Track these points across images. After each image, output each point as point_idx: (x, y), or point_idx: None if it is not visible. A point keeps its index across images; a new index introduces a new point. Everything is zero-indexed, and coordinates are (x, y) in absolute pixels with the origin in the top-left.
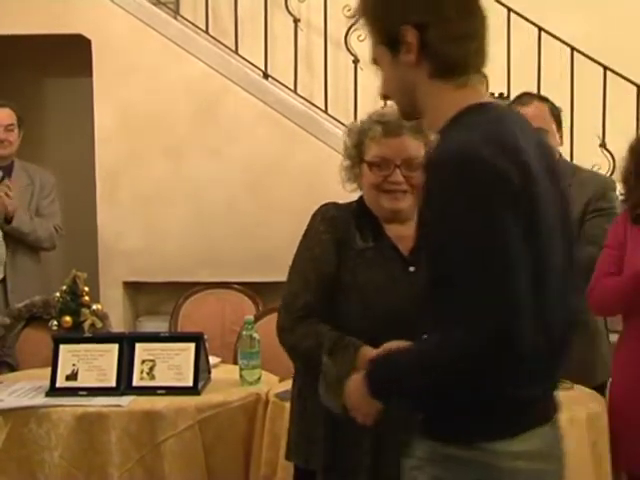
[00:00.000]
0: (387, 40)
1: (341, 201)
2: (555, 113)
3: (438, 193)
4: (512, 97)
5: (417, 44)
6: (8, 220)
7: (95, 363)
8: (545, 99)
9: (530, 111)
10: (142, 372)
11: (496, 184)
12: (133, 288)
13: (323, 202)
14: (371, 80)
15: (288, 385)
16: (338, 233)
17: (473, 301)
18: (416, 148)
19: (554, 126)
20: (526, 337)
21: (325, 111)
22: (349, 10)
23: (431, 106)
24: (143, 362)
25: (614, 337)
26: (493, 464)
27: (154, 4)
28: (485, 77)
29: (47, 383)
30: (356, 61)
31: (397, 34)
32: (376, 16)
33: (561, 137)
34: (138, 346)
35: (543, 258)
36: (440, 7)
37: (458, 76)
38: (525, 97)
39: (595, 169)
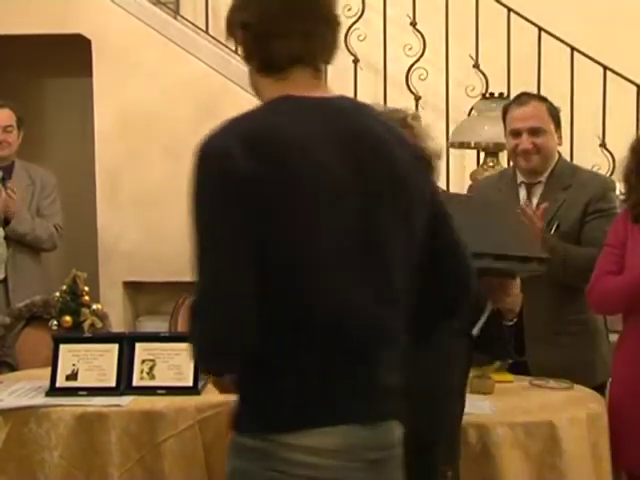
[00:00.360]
0: (235, 41)
1: None
2: (553, 113)
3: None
4: (512, 97)
5: (243, 43)
6: (7, 221)
7: (95, 363)
8: (544, 99)
9: (528, 111)
10: (142, 372)
11: (222, 178)
12: (133, 288)
13: None
14: (371, 80)
15: None
16: None
17: (197, 294)
18: None
19: (552, 126)
20: (237, 334)
21: None
22: (349, 10)
23: (262, 100)
24: (143, 362)
25: (614, 337)
26: (281, 456)
27: (154, 4)
28: (318, 71)
29: (47, 383)
30: (356, 61)
31: (234, 35)
32: (227, 21)
33: (560, 137)
34: (138, 346)
35: (302, 252)
36: (259, 7)
37: (278, 71)
38: (523, 97)
39: (595, 169)
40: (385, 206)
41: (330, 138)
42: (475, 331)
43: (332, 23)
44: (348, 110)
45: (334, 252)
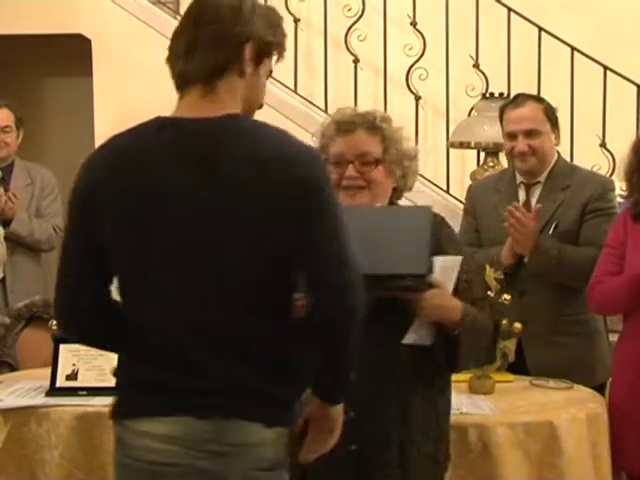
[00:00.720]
0: None
1: None
2: (550, 113)
3: None
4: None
5: None
6: (6, 223)
7: (95, 363)
8: (540, 99)
9: (523, 113)
10: None
11: (74, 192)
12: None
13: None
14: (371, 80)
15: None
16: None
17: None
18: (370, 143)
19: (548, 127)
20: (69, 321)
21: (325, 111)
22: (349, 10)
23: None
24: None
25: (614, 337)
26: (125, 439)
27: (154, 4)
28: (209, 89)
29: (47, 383)
30: (356, 61)
31: None
32: None
33: (557, 137)
34: None
35: (127, 262)
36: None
37: (179, 90)
38: (519, 98)
39: (595, 169)
40: (214, 222)
41: (172, 158)
42: (407, 340)
43: (220, 41)
44: (208, 132)
45: (155, 263)
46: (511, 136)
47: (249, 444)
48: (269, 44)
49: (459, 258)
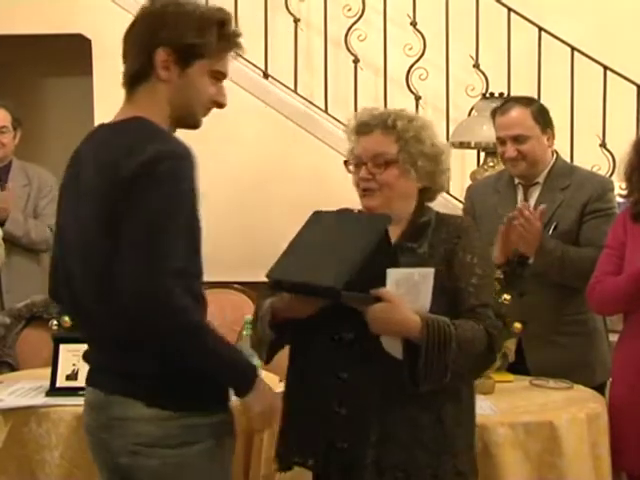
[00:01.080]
0: None
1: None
2: (539, 116)
3: None
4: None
5: None
6: (1, 224)
7: None
8: (529, 103)
9: (510, 119)
10: None
11: None
12: None
13: (323, 202)
14: (371, 80)
15: None
16: None
17: None
18: (385, 144)
19: (538, 130)
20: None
21: (325, 111)
22: (349, 10)
23: None
24: None
25: (614, 337)
26: None
27: None
28: (130, 95)
29: (47, 383)
30: (356, 61)
31: None
32: None
33: (550, 138)
34: None
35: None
36: None
37: None
38: (507, 104)
39: (595, 169)
40: (79, 219)
41: (76, 156)
42: (384, 344)
43: (136, 48)
44: (94, 135)
45: (65, 243)
46: (500, 142)
47: (127, 419)
48: (193, 46)
49: (431, 270)
